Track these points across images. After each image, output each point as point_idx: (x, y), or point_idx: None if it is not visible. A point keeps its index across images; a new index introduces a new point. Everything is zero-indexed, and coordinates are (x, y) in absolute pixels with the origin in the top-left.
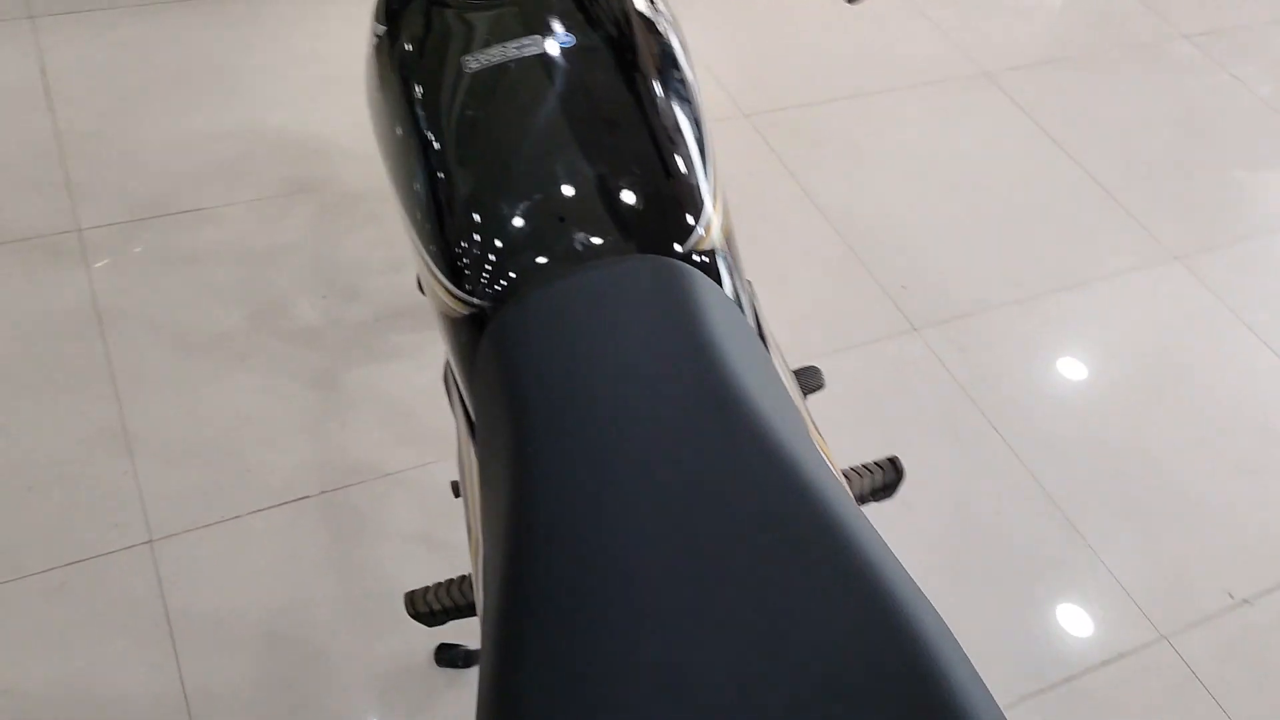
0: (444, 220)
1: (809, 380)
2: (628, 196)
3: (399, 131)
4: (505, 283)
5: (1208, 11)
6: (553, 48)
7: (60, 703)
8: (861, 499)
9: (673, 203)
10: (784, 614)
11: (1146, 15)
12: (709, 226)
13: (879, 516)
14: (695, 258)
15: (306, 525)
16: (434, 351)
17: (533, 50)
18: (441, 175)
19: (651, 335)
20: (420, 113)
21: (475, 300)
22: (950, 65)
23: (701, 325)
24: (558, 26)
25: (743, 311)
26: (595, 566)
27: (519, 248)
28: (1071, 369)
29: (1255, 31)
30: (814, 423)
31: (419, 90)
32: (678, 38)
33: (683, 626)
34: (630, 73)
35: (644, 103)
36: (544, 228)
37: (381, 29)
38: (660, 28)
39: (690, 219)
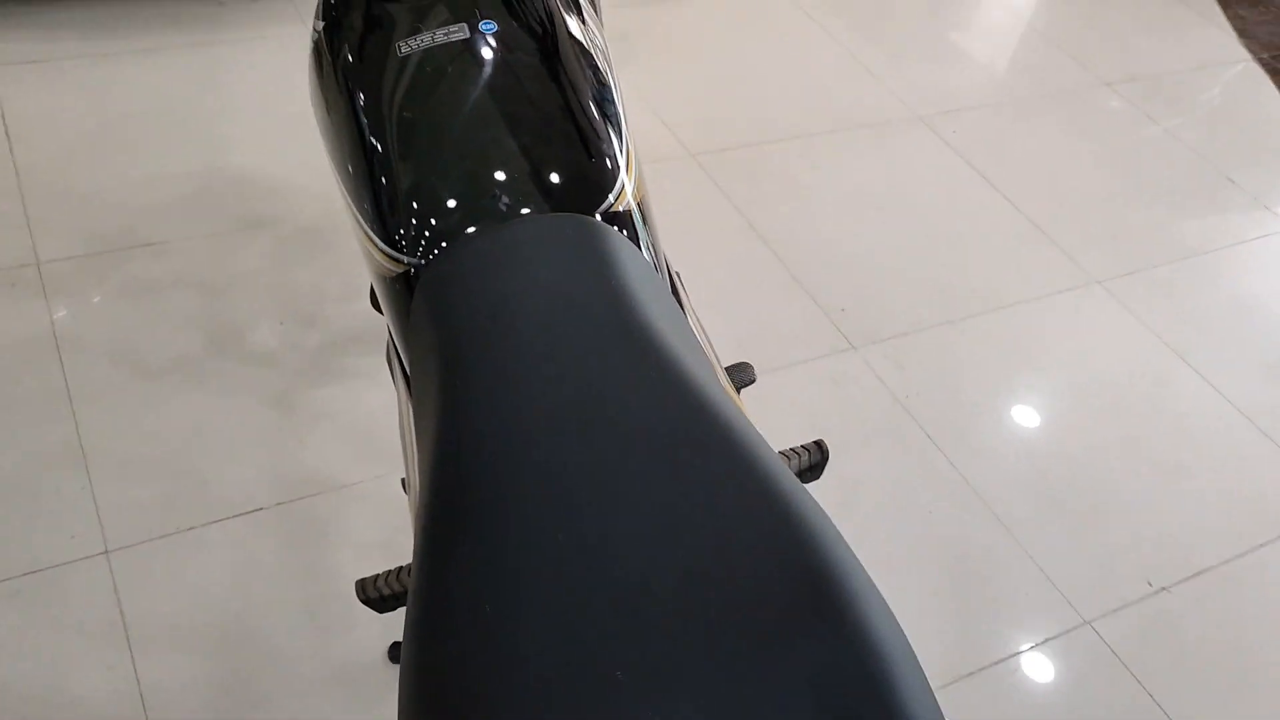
0: (376, 186)
1: (741, 375)
2: (548, 162)
3: (336, 113)
4: (434, 239)
5: (1129, 60)
6: (478, 33)
7: (15, 702)
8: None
9: (589, 168)
10: (683, 501)
11: (1071, 65)
12: (622, 191)
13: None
14: (608, 217)
15: (264, 535)
16: (388, 374)
17: (459, 36)
18: (375, 145)
19: (569, 280)
20: (356, 93)
21: (405, 258)
22: (887, 110)
23: (615, 272)
24: (482, 15)
25: (655, 268)
26: (512, 472)
27: (446, 208)
28: (1001, 382)
29: (1176, 79)
30: (734, 388)
31: (354, 73)
32: (594, 20)
33: (591, 514)
34: (549, 52)
35: (561, 78)
36: (469, 189)
37: (320, 24)
38: (582, 12)
39: (605, 184)
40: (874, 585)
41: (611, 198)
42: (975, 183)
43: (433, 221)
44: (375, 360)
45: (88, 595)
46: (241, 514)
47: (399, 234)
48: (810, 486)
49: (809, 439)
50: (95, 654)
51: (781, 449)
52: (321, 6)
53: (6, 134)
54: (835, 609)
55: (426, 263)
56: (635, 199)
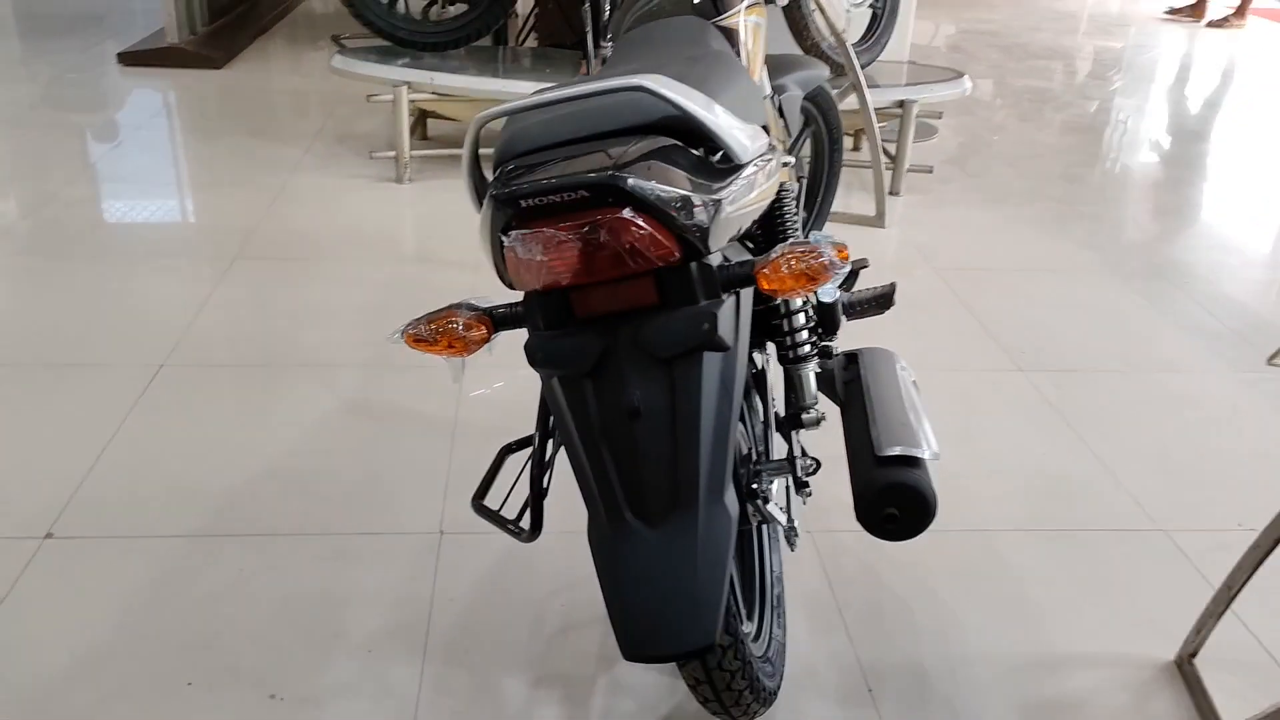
0: None
1: (858, 264)
2: None
3: None
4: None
5: None
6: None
7: None
8: (857, 308)
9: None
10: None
11: None
12: (733, 17)
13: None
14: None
15: None
16: None
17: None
18: None
19: (685, 26)
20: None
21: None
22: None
23: (713, 36)
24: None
25: (740, 57)
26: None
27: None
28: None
29: None
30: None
31: None
32: None
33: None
34: None
35: None
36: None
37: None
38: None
39: (726, 10)
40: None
41: (726, 17)
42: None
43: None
44: None
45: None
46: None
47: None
48: None
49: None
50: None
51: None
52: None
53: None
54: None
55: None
56: (746, 32)
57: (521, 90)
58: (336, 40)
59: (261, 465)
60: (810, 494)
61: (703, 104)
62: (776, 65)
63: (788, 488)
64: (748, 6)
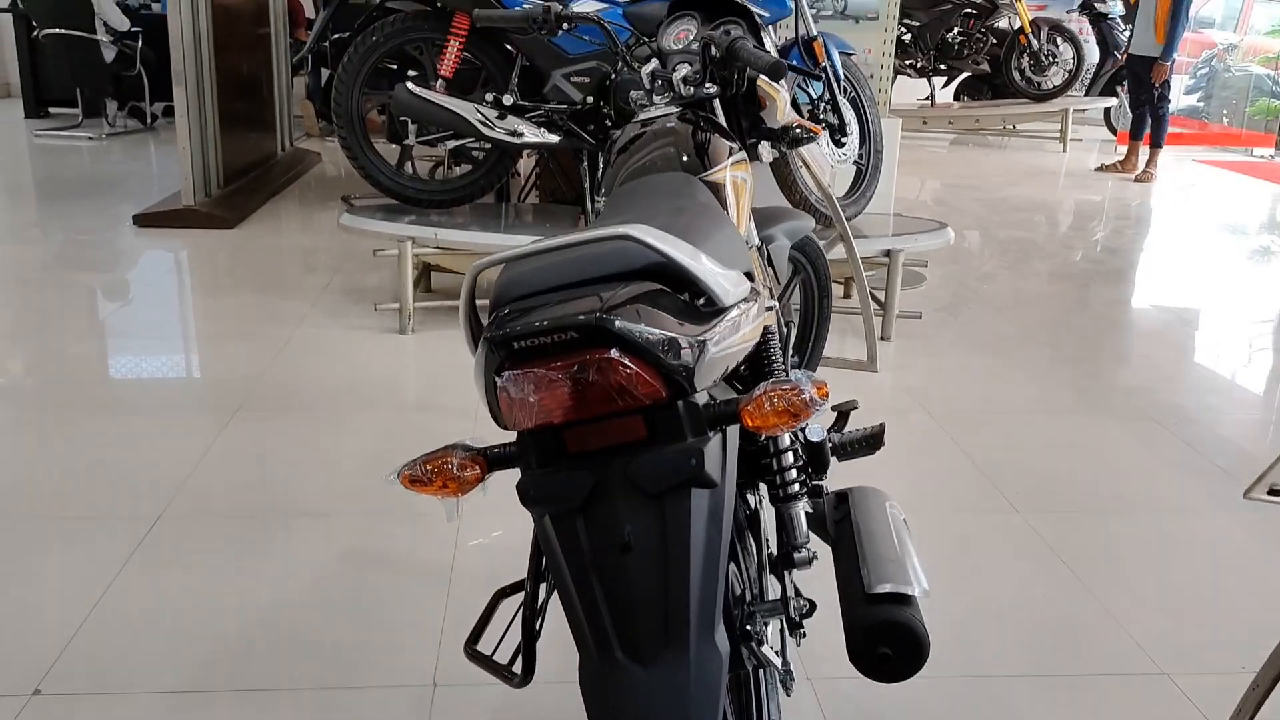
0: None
1: (846, 405)
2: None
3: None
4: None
5: None
6: (661, 123)
7: None
8: (847, 448)
9: (704, 153)
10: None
11: None
12: (720, 172)
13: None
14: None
15: None
16: None
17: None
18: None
19: (673, 181)
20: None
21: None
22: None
23: (699, 190)
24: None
25: (725, 212)
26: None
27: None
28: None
29: None
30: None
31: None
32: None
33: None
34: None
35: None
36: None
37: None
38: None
39: (709, 165)
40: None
41: (713, 174)
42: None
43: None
44: None
45: None
46: None
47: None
48: None
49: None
50: None
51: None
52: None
53: None
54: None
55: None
56: (731, 186)
57: (520, 242)
58: (346, 200)
59: (255, 617)
60: (805, 635)
61: (687, 252)
62: (764, 217)
63: (782, 629)
64: (734, 163)
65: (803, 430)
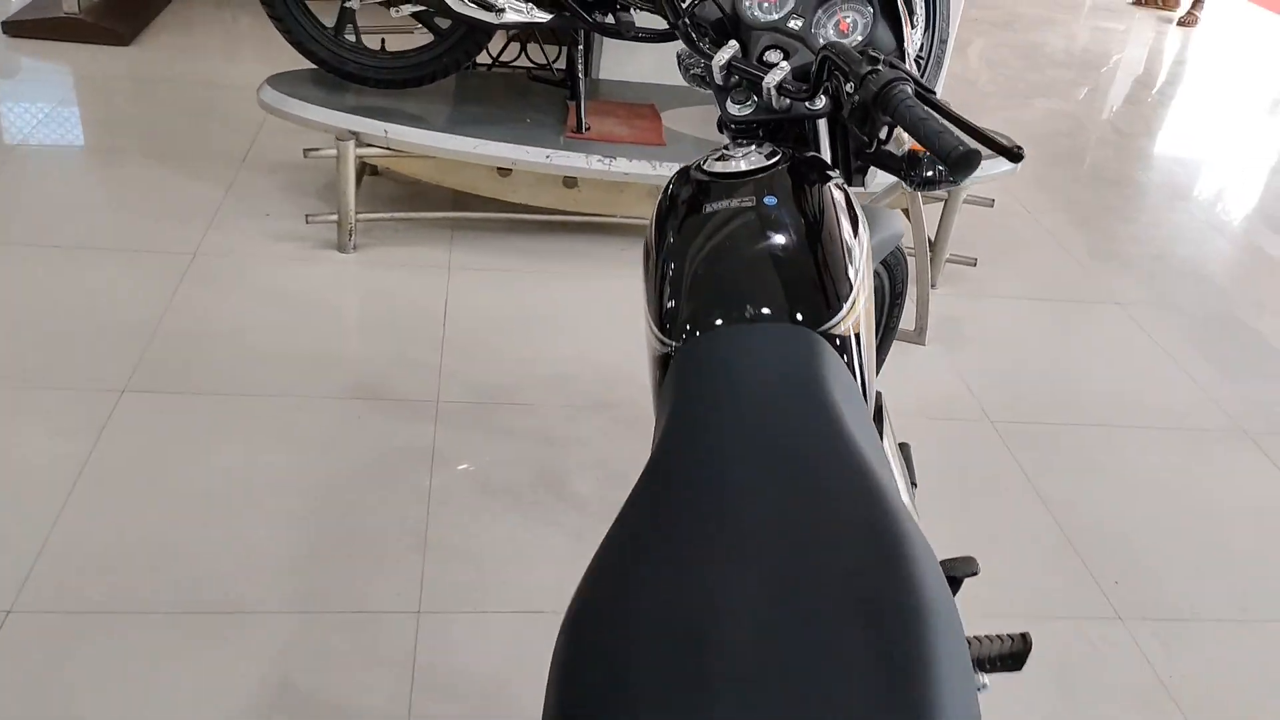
0: (660, 289)
1: (965, 567)
2: (787, 283)
3: (654, 245)
4: (689, 329)
5: None
6: (761, 203)
7: None
8: (986, 663)
9: (820, 295)
10: (819, 551)
11: None
12: (845, 318)
13: None
14: (829, 336)
15: (539, 633)
16: None
17: (748, 203)
18: (669, 262)
19: (783, 383)
20: (667, 231)
21: (668, 341)
22: (1206, 419)
23: (823, 385)
24: (767, 193)
25: (862, 389)
26: (701, 507)
27: (700, 307)
28: None
29: None
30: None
31: (671, 219)
32: (863, 216)
33: (752, 550)
34: (810, 216)
35: (813, 229)
36: (720, 295)
37: (661, 198)
38: (848, 209)
39: (831, 309)
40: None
41: (834, 321)
42: None
43: (689, 316)
44: None
45: (391, 643)
46: (525, 611)
47: (666, 324)
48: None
49: (1049, 693)
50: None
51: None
52: (665, 188)
53: (445, 312)
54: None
55: (679, 345)
56: (854, 328)
57: (499, 152)
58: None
59: None
60: None
61: None
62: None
63: None
64: (865, 301)
65: None
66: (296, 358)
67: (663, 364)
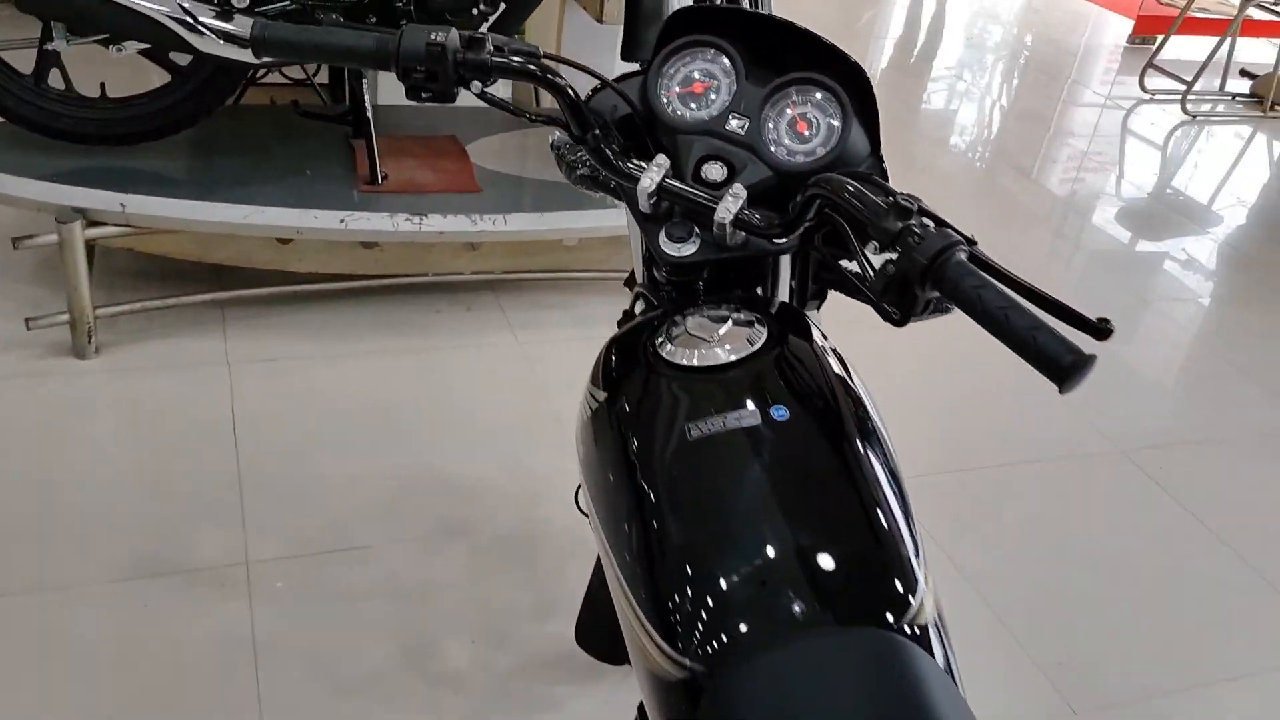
0: (659, 576)
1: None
2: (846, 566)
3: (619, 491)
4: (722, 647)
5: None
6: (769, 420)
7: None
8: None
9: (887, 575)
10: None
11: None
12: (924, 599)
13: None
14: (910, 631)
15: None
16: (583, 708)
17: (751, 422)
18: (664, 533)
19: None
20: (644, 475)
21: (688, 662)
22: (1085, 444)
23: (922, 710)
24: (773, 400)
25: (959, 689)
26: None
27: (737, 612)
28: None
29: None
30: None
31: (643, 455)
32: (866, 393)
33: None
34: (841, 444)
35: (855, 474)
36: (761, 594)
37: (602, 395)
38: (855, 386)
39: (905, 592)
40: None
41: (913, 609)
42: (1189, 525)
43: (722, 626)
44: (567, 691)
45: None
46: None
47: (679, 630)
48: None
49: None
50: None
51: None
52: (602, 375)
53: (234, 429)
54: None
55: (712, 673)
56: (936, 609)
57: (279, 220)
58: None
59: None
60: None
61: None
62: None
63: None
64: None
65: None
66: (42, 528)
67: (685, 693)
